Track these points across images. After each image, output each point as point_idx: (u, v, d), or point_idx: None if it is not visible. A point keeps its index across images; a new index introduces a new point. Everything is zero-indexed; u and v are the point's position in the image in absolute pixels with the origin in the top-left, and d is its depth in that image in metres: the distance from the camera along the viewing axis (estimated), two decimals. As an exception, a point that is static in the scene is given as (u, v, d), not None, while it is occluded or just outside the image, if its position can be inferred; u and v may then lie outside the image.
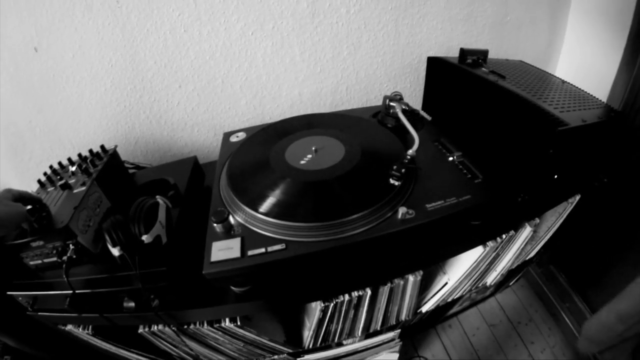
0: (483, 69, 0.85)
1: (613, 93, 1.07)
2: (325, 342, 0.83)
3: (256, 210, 0.60)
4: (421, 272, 0.71)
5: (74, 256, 0.59)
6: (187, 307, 0.64)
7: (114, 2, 0.80)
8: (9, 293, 0.64)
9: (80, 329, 0.71)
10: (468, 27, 1.08)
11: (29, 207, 0.58)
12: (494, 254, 0.80)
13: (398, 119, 0.78)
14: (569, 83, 0.87)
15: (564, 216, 0.90)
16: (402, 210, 0.58)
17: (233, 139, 0.86)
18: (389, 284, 0.71)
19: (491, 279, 0.93)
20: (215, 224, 0.59)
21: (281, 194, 0.63)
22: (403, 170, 0.62)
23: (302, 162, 0.70)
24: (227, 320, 0.67)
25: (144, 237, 0.57)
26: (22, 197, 0.57)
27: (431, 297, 0.87)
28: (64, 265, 0.58)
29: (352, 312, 0.74)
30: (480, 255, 0.76)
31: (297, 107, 1.08)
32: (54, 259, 0.60)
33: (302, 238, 0.57)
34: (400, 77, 1.11)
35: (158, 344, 0.77)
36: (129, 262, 0.57)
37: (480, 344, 1.38)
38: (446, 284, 0.84)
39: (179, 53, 0.89)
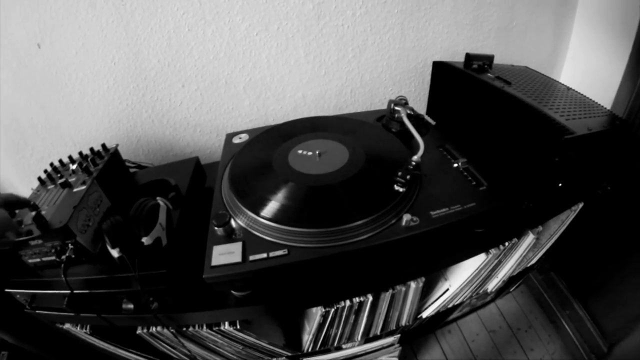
0: (489, 74, 0.84)
1: (617, 100, 1.07)
2: (324, 346, 0.83)
3: (258, 215, 0.60)
4: (423, 279, 0.71)
5: (73, 256, 0.59)
6: (186, 310, 0.64)
7: (118, 0, 0.79)
8: (7, 290, 0.64)
9: (78, 328, 0.71)
10: (474, 31, 1.07)
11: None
12: (496, 261, 0.80)
13: (403, 124, 0.78)
14: (574, 90, 0.87)
15: (567, 224, 0.89)
16: (406, 217, 0.58)
17: (236, 140, 0.85)
18: (390, 290, 0.70)
19: (492, 285, 0.92)
20: (216, 228, 0.58)
21: (284, 198, 0.63)
22: (408, 177, 0.61)
23: (306, 165, 0.69)
24: (226, 323, 0.66)
25: (144, 239, 0.57)
26: (7, 203, 0.55)
27: (432, 303, 0.87)
28: (62, 265, 0.58)
29: (352, 318, 0.74)
30: (482, 263, 0.75)
31: (300, 109, 1.07)
32: (53, 257, 0.60)
33: (304, 244, 0.56)
34: (405, 80, 1.10)
35: (156, 345, 0.77)
36: (129, 264, 0.56)
37: (479, 350, 1.37)
38: (447, 290, 0.83)
39: (183, 52, 0.89)
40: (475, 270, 0.77)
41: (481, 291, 0.93)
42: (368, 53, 1.01)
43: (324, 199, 0.62)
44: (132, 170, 0.87)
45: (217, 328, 0.66)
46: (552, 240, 0.93)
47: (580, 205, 0.85)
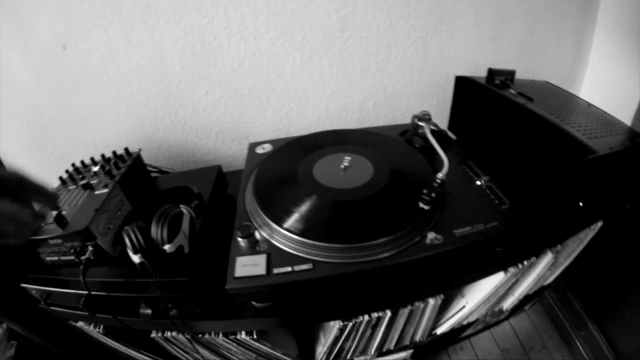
0: (511, 90, 0.83)
1: (638, 115, 1.05)
2: (337, 359, 0.82)
3: (283, 227, 0.60)
4: (442, 296, 0.70)
5: (92, 257, 0.59)
6: (205, 318, 0.63)
7: (144, 6, 0.80)
8: (22, 285, 0.64)
9: (92, 327, 0.71)
10: (495, 45, 1.07)
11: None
12: (514, 279, 0.79)
13: (426, 139, 0.77)
14: (594, 106, 0.85)
15: (585, 242, 0.88)
16: (430, 236, 0.57)
17: (259, 150, 0.85)
18: (409, 307, 0.70)
19: (508, 303, 0.91)
20: (240, 239, 0.58)
21: (309, 211, 0.62)
22: (433, 194, 0.61)
23: (331, 179, 0.69)
24: (243, 332, 0.66)
25: (167, 247, 0.57)
26: (21, 184, 0.44)
27: (447, 320, 0.86)
28: (81, 266, 0.58)
29: (369, 332, 0.73)
30: (500, 281, 0.75)
31: (323, 121, 1.07)
32: (72, 257, 0.60)
33: (328, 259, 0.56)
34: (427, 95, 1.10)
35: (169, 349, 0.77)
36: (150, 270, 0.56)
37: (491, 368, 1.35)
38: (464, 307, 0.83)
39: (207, 60, 0.89)
40: (492, 289, 0.77)
41: (496, 309, 0.92)
42: (391, 66, 1.01)
43: (350, 214, 0.62)
44: (153, 174, 0.88)
45: (233, 337, 0.66)
46: (570, 259, 0.92)
47: (600, 224, 0.84)
